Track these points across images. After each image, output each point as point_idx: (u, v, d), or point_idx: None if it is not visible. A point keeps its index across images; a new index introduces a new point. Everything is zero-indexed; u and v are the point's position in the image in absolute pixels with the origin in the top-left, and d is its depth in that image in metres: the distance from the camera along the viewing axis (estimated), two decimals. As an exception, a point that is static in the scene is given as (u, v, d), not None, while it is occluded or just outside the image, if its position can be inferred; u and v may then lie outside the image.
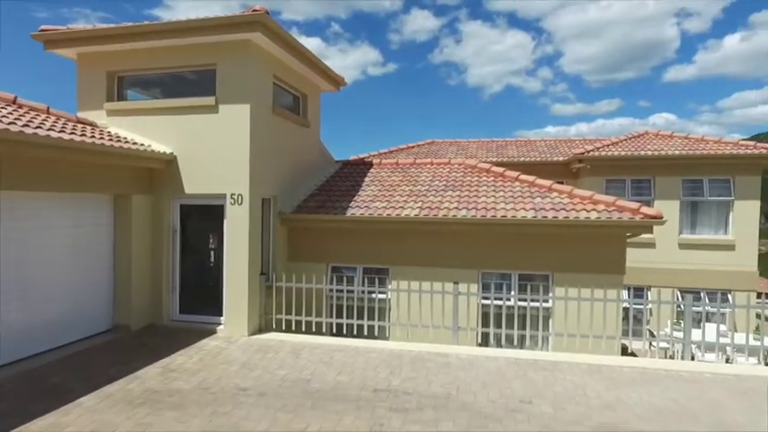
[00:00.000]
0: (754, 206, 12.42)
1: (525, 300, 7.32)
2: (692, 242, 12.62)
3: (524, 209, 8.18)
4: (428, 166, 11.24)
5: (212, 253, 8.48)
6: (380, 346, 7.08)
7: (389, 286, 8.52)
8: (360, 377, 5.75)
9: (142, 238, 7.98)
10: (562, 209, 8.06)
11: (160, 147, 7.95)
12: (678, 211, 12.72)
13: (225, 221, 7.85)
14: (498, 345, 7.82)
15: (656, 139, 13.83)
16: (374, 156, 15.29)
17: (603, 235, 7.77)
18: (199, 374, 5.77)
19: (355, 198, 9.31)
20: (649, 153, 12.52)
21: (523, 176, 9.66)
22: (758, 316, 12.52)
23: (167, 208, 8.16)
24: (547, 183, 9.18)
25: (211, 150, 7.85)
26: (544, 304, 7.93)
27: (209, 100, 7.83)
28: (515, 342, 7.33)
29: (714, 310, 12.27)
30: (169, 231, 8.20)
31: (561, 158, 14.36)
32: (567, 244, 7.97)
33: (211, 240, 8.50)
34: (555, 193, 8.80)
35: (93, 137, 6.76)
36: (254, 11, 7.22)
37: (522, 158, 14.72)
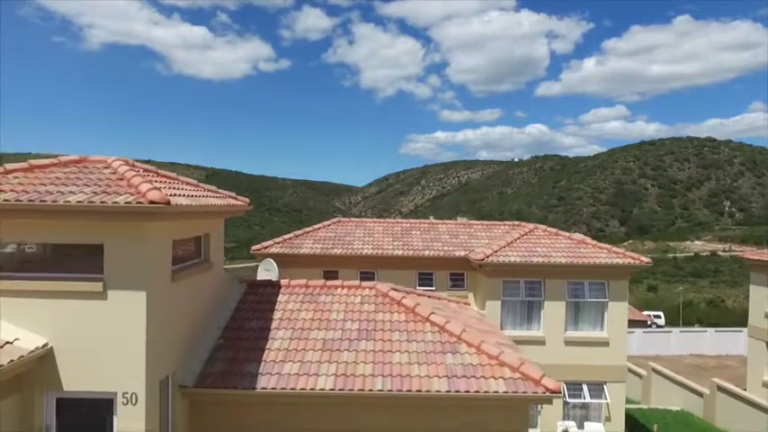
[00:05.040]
0: (623, 307, 14.14)
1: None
2: (576, 339, 14.00)
3: (438, 375, 8.38)
4: (339, 290, 11.03)
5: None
6: None
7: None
8: None
9: (6, 445, 6.72)
10: (472, 376, 8.38)
11: (29, 341, 6.71)
12: (564, 310, 14.01)
13: (115, 418, 6.92)
14: None
15: (545, 236, 15.12)
16: (281, 256, 14.51)
17: (507, 406, 8.25)
18: None
19: (264, 355, 8.78)
20: (540, 260, 13.63)
21: (434, 318, 9.90)
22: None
23: (39, 404, 6.96)
24: (457, 330, 9.50)
25: (97, 342, 6.85)
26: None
27: (96, 285, 6.82)
28: None
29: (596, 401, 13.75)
30: (41, 430, 7.00)
31: (462, 253, 15.05)
32: (475, 410, 8.33)
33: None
34: (464, 346, 9.14)
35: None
36: (151, 202, 6.42)
37: (426, 252, 15.17)
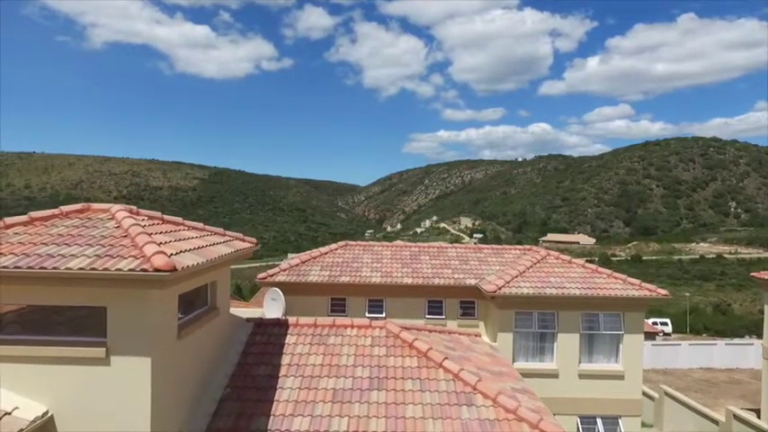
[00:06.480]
0: (639, 339, 13.76)
1: None
2: (590, 372, 13.63)
3: (453, 433, 8.05)
4: (348, 329, 10.71)
5: None
6: None
7: None
8: None
9: None
10: (490, 434, 8.05)
11: (29, 409, 6.40)
12: (578, 342, 13.64)
13: (119, 488, 6.62)
14: None
15: (558, 264, 14.74)
16: (287, 284, 14.18)
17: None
18: None
19: (273, 408, 8.45)
20: (554, 292, 13.25)
21: (447, 363, 9.57)
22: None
23: (41, 473, 6.67)
24: (472, 379, 9.16)
25: (100, 408, 6.54)
26: None
27: (98, 351, 6.51)
28: None
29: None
30: (43, 499, 6.71)
31: (473, 281, 14.70)
32: (494, 469, 7.99)
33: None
34: (479, 398, 8.80)
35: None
36: (156, 269, 6.10)
37: (435, 280, 14.82)
